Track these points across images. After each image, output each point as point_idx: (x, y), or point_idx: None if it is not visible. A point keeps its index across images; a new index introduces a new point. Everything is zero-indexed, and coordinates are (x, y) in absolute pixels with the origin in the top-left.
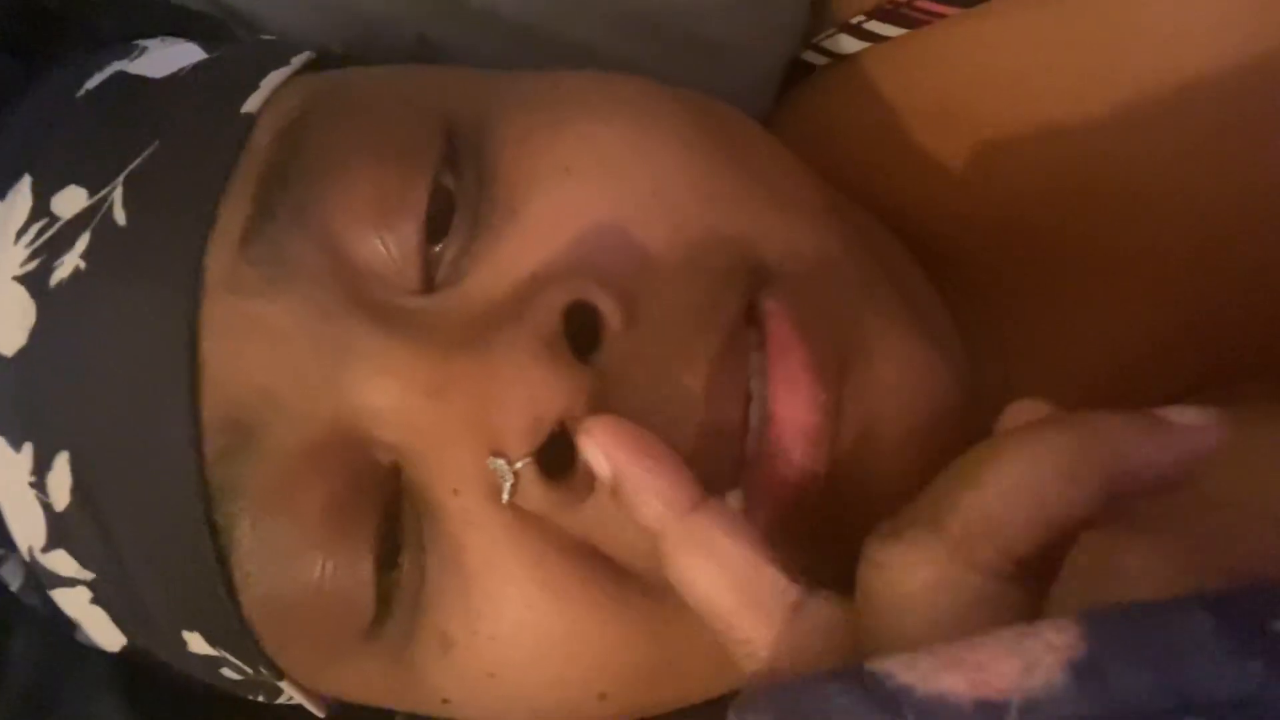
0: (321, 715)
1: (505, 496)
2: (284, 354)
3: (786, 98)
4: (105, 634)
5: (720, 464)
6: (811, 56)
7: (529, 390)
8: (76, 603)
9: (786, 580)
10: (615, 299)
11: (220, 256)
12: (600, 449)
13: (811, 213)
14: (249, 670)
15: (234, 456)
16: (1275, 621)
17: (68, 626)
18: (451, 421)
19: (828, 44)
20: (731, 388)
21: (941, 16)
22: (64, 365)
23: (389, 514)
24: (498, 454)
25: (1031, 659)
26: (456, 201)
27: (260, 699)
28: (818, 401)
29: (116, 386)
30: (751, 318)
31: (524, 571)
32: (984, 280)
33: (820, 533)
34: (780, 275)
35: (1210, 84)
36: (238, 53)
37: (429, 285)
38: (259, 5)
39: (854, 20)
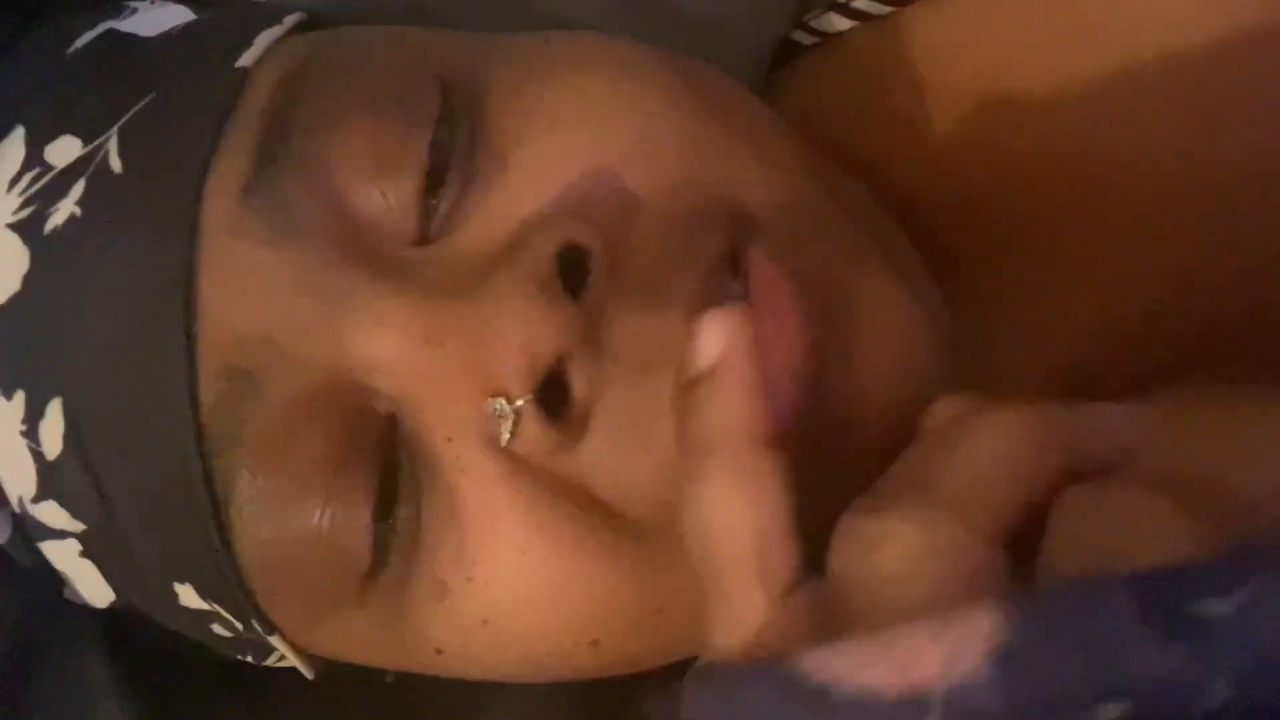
0: (310, 675)
1: (505, 436)
2: (285, 301)
3: (776, 77)
4: (94, 588)
5: None
6: (801, 36)
7: (525, 330)
8: (66, 556)
9: (798, 558)
10: (602, 240)
11: (220, 202)
12: (727, 332)
13: (794, 167)
14: (239, 626)
15: (232, 403)
16: (1193, 603)
17: (55, 581)
18: (448, 368)
19: (817, 23)
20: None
21: None
22: (59, 311)
23: (386, 463)
24: (496, 394)
25: (954, 648)
26: (451, 155)
27: (248, 659)
28: (803, 339)
29: (113, 332)
30: (735, 267)
31: (518, 516)
32: (966, 252)
33: (801, 481)
34: (763, 223)
35: (1194, 60)
36: (228, 14)
37: (425, 237)
38: None
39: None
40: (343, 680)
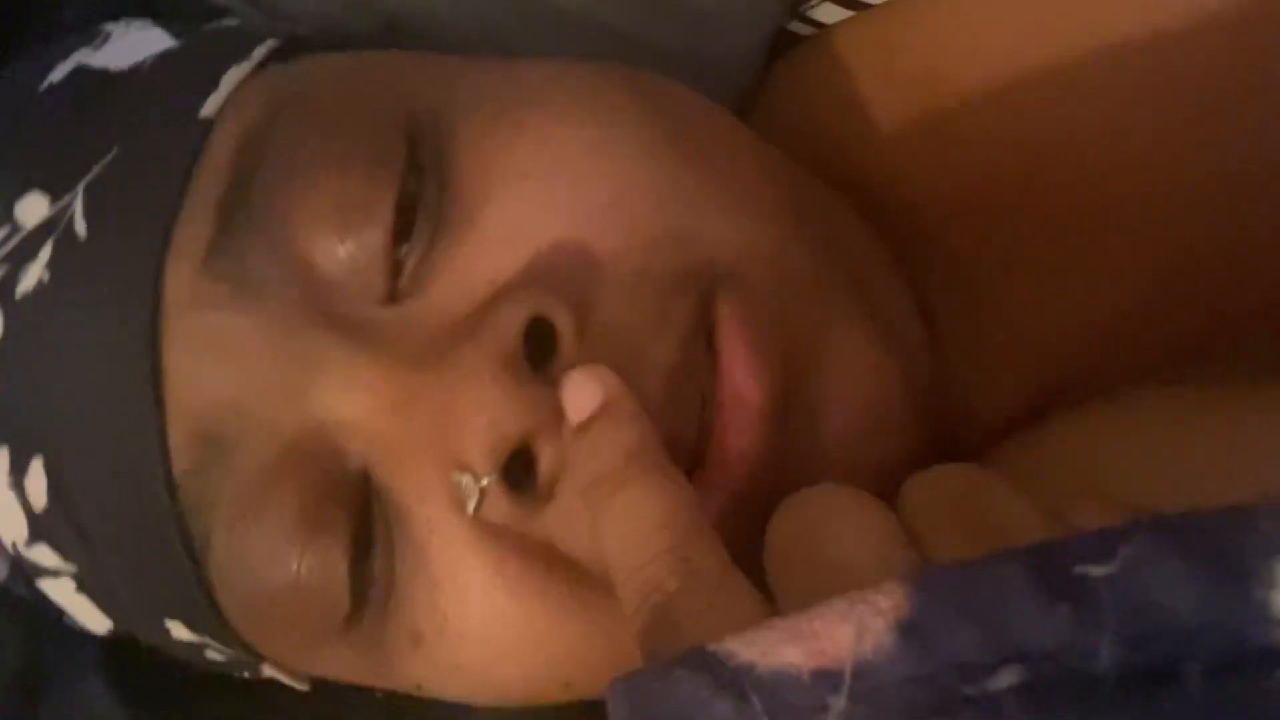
0: (304, 688)
1: (470, 511)
2: (250, 367)
3: (773, 68)
4: (91, 619)
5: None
6: (798, 26)
7: (489, 412)
8: (62, 591)
9: (718, 544)
10: (569, 311)
11: (181, 272)
12: (593, 383)
13: (768, 214)
14: (230, 653)
15: (205, 470)
16: (1081, 566)
17: (55, 612)
18: (415, 437)
19: (813, 13)
20: (685, 394)
21: None
22: (33, 376)
23: (360, 514)
24: (462, 469)
25: (863, 624)
26: (419, 204)
27: (245, 675)
28: (762, 384)
29: (85, 401)
30: (703, 322)
31: (486, 577)
32: (955, 249)
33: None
34: (733, 279)
35: (1185, 51)
36: (199, 45)
37: (393, 293)
38: None
39: None
40: (336, 689)
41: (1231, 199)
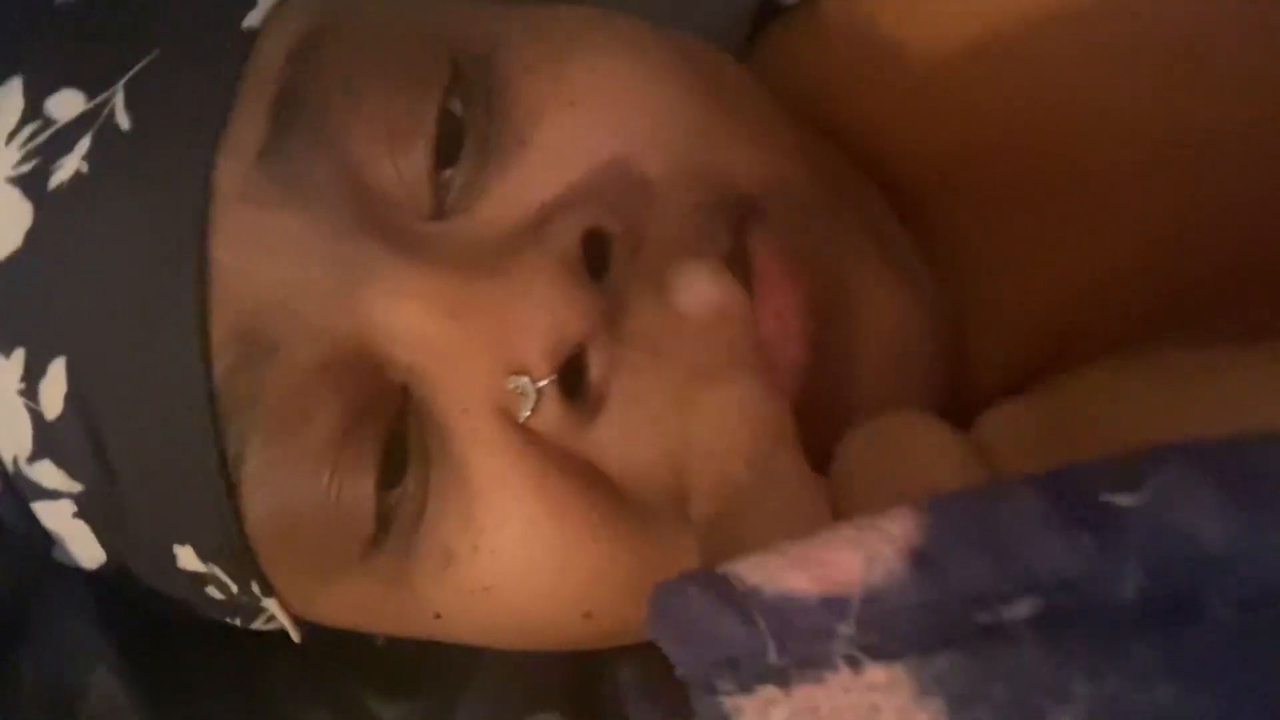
0: (297, 639)
1: (525, 413)
2: (302, 269)
3: (759, 36)
4: (85, 549)
5: None
6: None
7: (553, 312)
8: (58, 516)
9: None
10: (623, 226)
11: (233, 166)
12: (714, 279)
13: (790, 153)
14: (235, 588)
15: (246, 369)
16: (1107, 493)
17: (44, 541)
18: (470, 342)
19: None
20: None
21: None
22: (64, 269)
23: (394, 432)
24: (519, 372)
25: (872, 551)
26: (466, 128)
27: (236, 622)
28: (805, 333)
29: (122, 292)
30: (736, 255)
31: (528, 489)
32: (949, 215)
33: None
34: (765, 212)
35: (1171, 7)
36: None
37: (441, 210)
38: None
39: None
40: (331, 644)
41: (1231, 149)
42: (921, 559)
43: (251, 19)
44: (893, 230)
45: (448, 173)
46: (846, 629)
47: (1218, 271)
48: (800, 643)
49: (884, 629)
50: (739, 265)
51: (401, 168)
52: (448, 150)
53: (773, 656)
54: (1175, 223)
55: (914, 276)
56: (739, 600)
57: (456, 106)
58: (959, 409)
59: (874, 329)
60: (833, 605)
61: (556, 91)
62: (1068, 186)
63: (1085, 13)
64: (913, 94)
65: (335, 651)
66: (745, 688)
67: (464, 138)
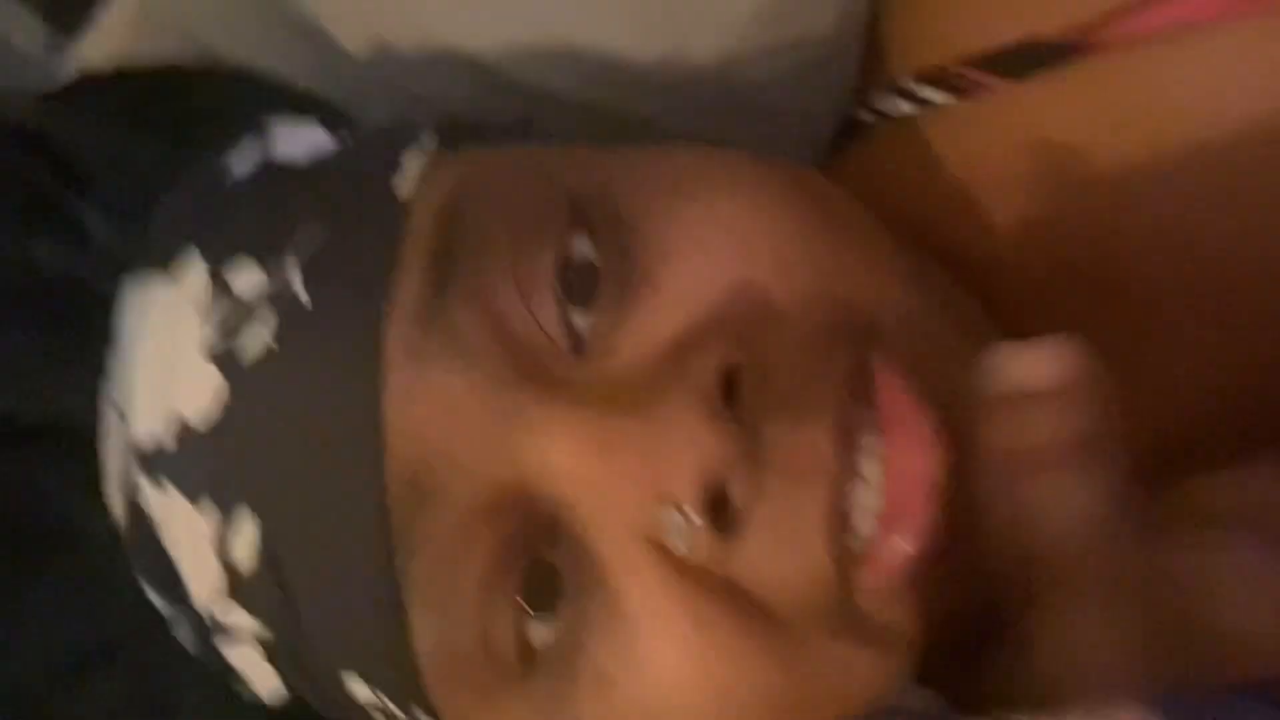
0: None
1: (679, 546)
2: (462, 419)
3: (840, 153)
4: (268, 686)
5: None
6: (865, 115)
7: (699, 449)
8: (247, 658)
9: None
10: (753, 359)
11: (400, 330)
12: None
13: (902, 275)
14: (402, 715)
15: (414, 514)
16: None
17: (232, 678)
18: (622, 478)
19: (881, 105)
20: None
21: (989, 89)
22: (257, 437)
23: (544, 566)
24: (669, 506)
25: None
26: (600, 271)
27: None
28: (937, 450)
29: (307, 454)
30: (864, 379)
31: (684, 615)
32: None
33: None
34: (884, 334)
35: (1248, 151)
36: (369, 136)
37: (579, 353)
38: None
39: (904, 85)
40: None
41: None
42: None
43: (403, 189)
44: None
45: (581, 313)
46: None
47: None
48: None
49: None
50: (860, 381)
51: (538, 314)
52: (581, 293)
53: None
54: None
55: None
56: None
57: (587, 248)
58: None
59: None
60: None
61: (682, 230)
62: (1166, 311)
63: (1192, 139)
64: (1006, 221)
65: None
66: None
67: (597, 279)
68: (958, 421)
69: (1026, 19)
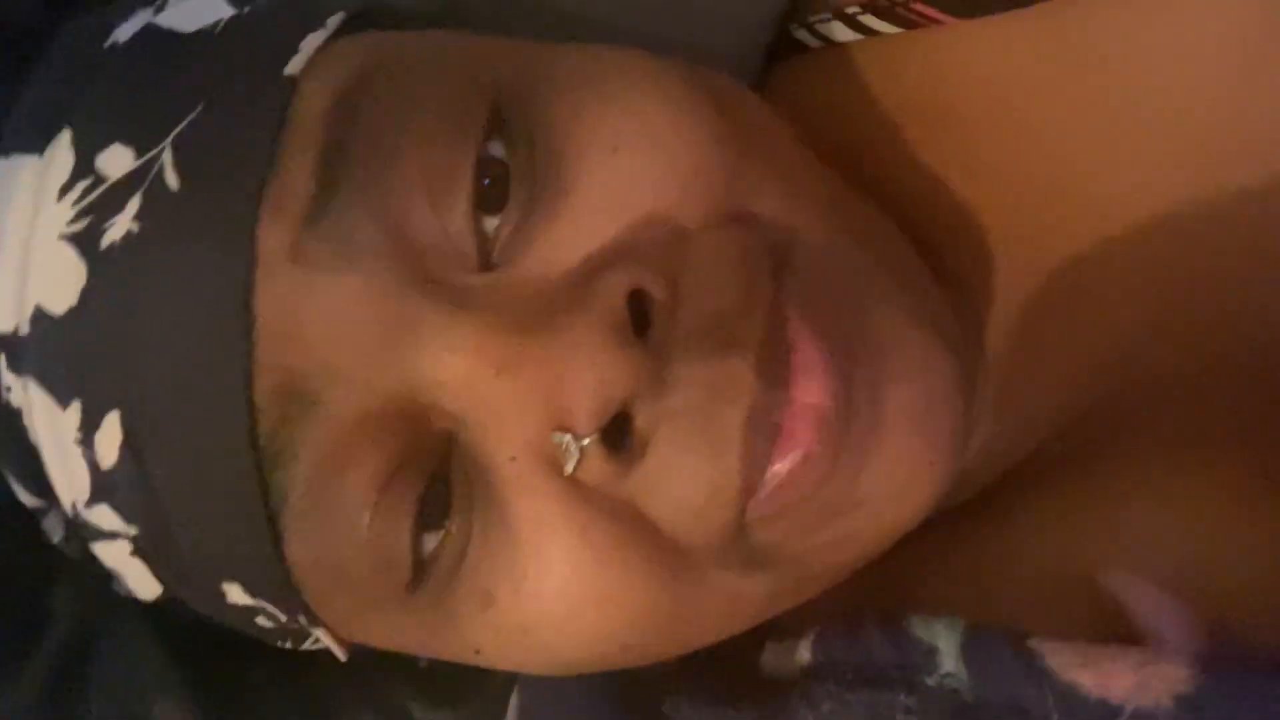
0: (344, 658)
1: (569, 468)
2: (348, 329)
3: (777, 69)
4: (143, 584)
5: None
6: (804, 35)
7: (600, 373)
8: (116, 555)
9: None
10: (665, 283)
11: (279, 226)
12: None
13: (821, 200)
14: (283, 619)
15: (289, 424)
16: None
17: (105, 577)
18: (518, 396)
19: (821, 28)
20: (773, 373)
21: (937, 22)
22: (117, 326)
23: (436, 480)
24: (563, 429)
25: (1146, 681)
26: (511, 173)
27: (286, 645)
28: (830, 388)
29: (171, 350)
30: (772, 314)
31: (573, 535)
32: (965, 272)
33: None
34: (796, 261)
35: (1208, 101)
36: (269, 10)
37: (486, 262)
38: None
39: (849, 10)
40: (380, 661)
41: (1234, 235)
42: (1187, 704)
43: (293, 65)
44: (924, 282)
45: (491, 221)
46: None
47: (1233, 355)
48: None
49: None
50: (774, 317)
51: (445, 219)
52: (494, 196)
53: None
54: (1186, 301)
55: (944, 326)
56: (1036, 672)
57: (499, 150)
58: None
59: (902, 377)
60: (1106, 709)
61: (600, 135)
62: (1088, 257)
63: (1128, 104)
64: (939, 158)
65: (384, 663)
66: None
67: (508, 185)
68: (860, 353)
69: None
